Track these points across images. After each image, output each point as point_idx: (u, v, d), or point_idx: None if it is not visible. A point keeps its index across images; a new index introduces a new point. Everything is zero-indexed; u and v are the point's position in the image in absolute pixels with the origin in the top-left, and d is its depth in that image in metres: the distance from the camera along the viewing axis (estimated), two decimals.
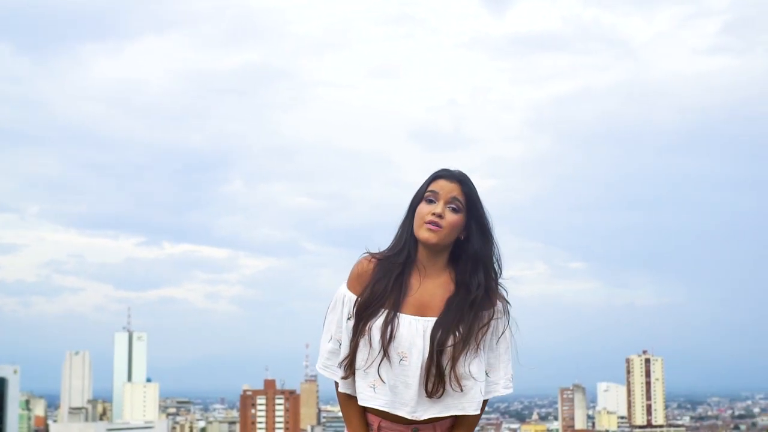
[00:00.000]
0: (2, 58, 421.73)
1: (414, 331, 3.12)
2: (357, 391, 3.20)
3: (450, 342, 3.10)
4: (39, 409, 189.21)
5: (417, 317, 3.15)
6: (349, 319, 3.21)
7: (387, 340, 3.11)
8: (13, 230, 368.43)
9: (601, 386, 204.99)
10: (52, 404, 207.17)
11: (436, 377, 3.09)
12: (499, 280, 3.25)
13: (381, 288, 3.17)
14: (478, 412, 3.17)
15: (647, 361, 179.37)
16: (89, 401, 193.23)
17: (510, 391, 3.27)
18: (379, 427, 3.22)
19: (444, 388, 3.10)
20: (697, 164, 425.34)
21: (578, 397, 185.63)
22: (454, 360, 3.09)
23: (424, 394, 3.11)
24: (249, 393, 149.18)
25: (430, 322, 3.13)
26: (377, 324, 3.14)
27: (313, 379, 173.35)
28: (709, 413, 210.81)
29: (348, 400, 3.28)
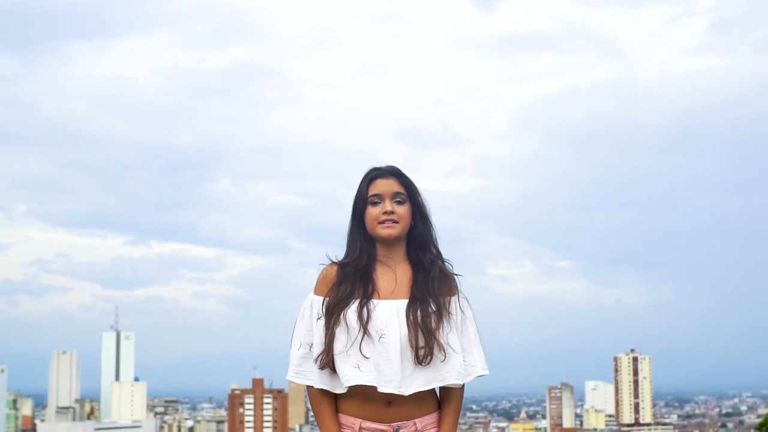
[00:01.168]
0: None
1: (388, 312, 3.28)
2: (340, 375, 3.27)
3: (427, 315, 3.27)
4: (26, 408, 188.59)
5: (388, 300, 3.31)
6: (319, 318, 3.34)
7: (365, 319, 3.25)
8: (0, 229, 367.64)
9: (589, 385, 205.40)
10: (40, 404, 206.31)
11: (426, 345, 3.23)
12: (446, 259, 3.46)
13: (348, 286, 3.33)
14: (458, 382, 3.29)
15: (635, 359, 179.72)
16: (77, 400, 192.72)
17: (487, 372, 3.40)
18: (360, 428, 3.31)
19: (432, 355, 3.23)
20: (685, 164, 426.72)
21: (566, 396, 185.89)
22: (434, 331, 3.25)
23: (408, 369, 3.23)
24: (237, 392, 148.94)
25: (402, 303, 3.30)
26: (351, 309, 3.28)
27: None
28: (697, 411, 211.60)
29: (321, 398, 3.36)
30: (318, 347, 3.32)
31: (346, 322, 3.27)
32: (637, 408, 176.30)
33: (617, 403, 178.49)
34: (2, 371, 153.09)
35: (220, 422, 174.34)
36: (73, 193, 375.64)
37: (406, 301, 3.31)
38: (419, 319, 3.25)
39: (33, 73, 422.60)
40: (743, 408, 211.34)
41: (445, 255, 3.44)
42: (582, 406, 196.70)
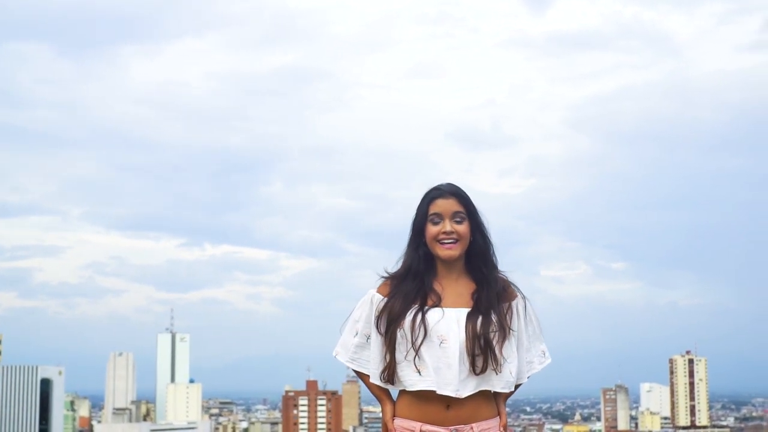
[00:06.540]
0: (44, 60, 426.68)
1: (448, 319, 3.42)
2: (403, 380, 3.44)
3: (488, 328, 3.41)
4: (83, 409, 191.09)
5: (448, 308, 3.46)
6: (379, 332, 3.50)
7: (427, 325, 3.40)
8: (56, 232, 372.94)
9: (644, 387, 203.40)
10: (96, 405, 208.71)
11: (484, 357, 3.38)
12: (501, 270, 3.60)
13: (403, 298, 3.49)
14: (506, 390, 3.47)
15: (691, 361, 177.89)
16: (133, 402, 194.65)
17: (548, 361, 3.65)
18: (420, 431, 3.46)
19: (487, 368, 3.39)
20: (740, 162, 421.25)
21: (621, 398, 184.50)
22: (494, 345, 3.40)
23: (464, 373, 3.38)
24: (291, 394, 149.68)
25: (463, 312, 3.44)
26: (408, 319, 3.43)
27: (354, 380, 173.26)
28: (754, 414, 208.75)
29: (379, 389, 3.56)
30: (379, 358, 3.51)
31: (405, 331, 3.41)
32: (693, 410, 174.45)
33: (673, 406, 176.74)
34: (60, 373, 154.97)
35: (274, 424, 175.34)
36: (127, 196, 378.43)
37: (467, 310, 3.44)
38: (479, 330, 3.39)
39: (86, 77, 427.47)
40: None
41: (499, 257, 3.59)
42: (637, 408, 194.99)
